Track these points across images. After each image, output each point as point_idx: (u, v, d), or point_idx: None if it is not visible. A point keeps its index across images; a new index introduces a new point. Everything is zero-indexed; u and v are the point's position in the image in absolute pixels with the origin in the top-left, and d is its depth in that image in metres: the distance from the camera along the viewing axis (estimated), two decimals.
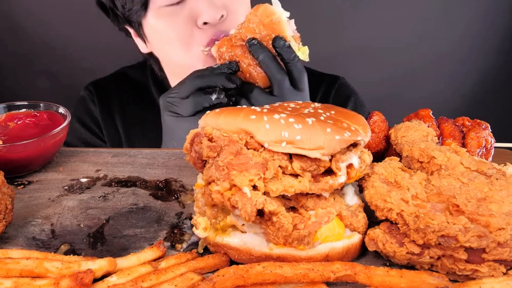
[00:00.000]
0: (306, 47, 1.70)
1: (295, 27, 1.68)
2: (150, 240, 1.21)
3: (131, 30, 2.17)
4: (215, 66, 1.72)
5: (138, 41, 2.19)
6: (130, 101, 2.43)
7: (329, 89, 2.43)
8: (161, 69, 2.32)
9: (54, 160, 1.62)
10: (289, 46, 1.63)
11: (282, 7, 1.65)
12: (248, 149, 1.06)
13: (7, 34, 2.90)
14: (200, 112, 1.69)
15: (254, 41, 1.63)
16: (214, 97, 1.67)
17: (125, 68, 2.56)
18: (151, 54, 2.24)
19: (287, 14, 1.64)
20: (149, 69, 2.44)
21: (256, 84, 1.70)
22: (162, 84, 2.38)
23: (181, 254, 1.11)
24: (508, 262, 0.98)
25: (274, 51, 1.64)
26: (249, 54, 1.66)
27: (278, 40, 1.61)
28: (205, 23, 1.86)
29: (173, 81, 2.29)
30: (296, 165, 1.05)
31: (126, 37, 2.35)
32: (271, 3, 1.66)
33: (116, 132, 2.40)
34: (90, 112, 2.41)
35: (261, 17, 1.63)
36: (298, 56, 1.66)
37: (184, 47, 1.93)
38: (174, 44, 1.95)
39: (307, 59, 1.70)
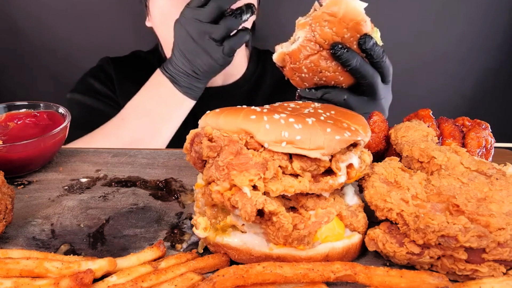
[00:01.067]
0: (377, 29, 1.50)
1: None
2: (150, 240, 1.21)
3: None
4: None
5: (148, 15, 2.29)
6: (142, 80, 2.45)
7: None
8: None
9: (54, 160, 1.62)
10: (376, 43, 1.46)
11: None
12: (248, 149, 1.06)
13: (7, 35, 2.90)
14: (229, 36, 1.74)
15: (341, 48, 1.42)
16: (244, 17, 1.69)
17: (139, 51, 2.59)
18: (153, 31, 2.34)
19: (365, 4, 1.42)
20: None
21: (342, 87, 1.55)
22: None
23: (181, 254, 1.11)
24: (508, 262, 0.98)
25: (359, 50, 1.46)
26: (332, 60, 1.45)
27: (367, 40, 1.42)
28: None
29: None
30: (296, 165, 1.05)
31: (125, 38, 2.37)
32: None
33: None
34: (106, 72, 2.44)
35: (346, 20, 1.38)
36: (384, 52, 1.50)
37: (170, 22, 1.96)
38: (170, 25, 1.98)
39: (380, 43, 1.51)
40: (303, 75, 1.50)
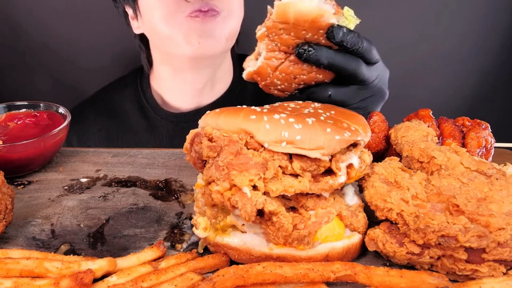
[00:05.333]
0: (346, 8, 1.33)
1: None
2: (150, 240, 1.21)
3: (129, 11, 2.25)
4: None
5: (133, 23, 2.27)
6: (104, 122, 2.49)
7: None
8: (149, 59, 2.39)
9: (54, 160, 1.62)
10: (347, 30, 1.30)
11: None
12: (248, 149, 1.06)
13: (8, 34, 2.90)
14: None
15: (305, 50, 1.30)
16: None
17: (106, 87, 2.60)
18: (142, 39, 2.33)
19: None
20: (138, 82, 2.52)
21: (326, 82, 1.41)
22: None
23: (181, 254, 1.11)
24: (508, 262, 0.98)
25: (329, 42, 1.31)
26: (303, 62, 1.33)
27: (336, 33, 1.27)
28: None
29: (160, 71, 2.35)
30: (296, 165, 1.05)
31: (126, 38, 2.38)
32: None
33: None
34: None
35: (299, 23, 1.25)
36: (360, 35, 1.35)
37: (169, 16, 1.97)
38: (160, 13, 1.99)
39: (357, 21, 1.34)
40: (279, 87, 1.40)
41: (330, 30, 1.27)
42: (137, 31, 2.30)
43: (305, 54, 1.30)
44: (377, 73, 1.47)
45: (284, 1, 1.24)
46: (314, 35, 1.29)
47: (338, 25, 1.28)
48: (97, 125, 2.45)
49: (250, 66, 1.41)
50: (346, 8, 1.32)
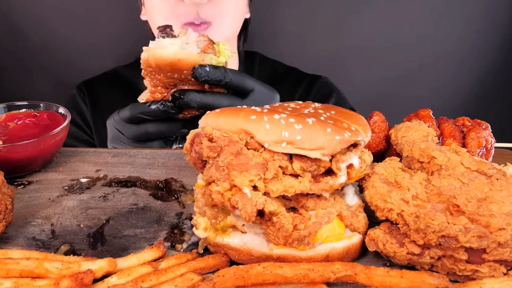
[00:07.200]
0: (222, 42, 1.44)
1: (195, 36, 1.42)
2: (150, 240, 1.21)
3: None
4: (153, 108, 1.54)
5: (143, 9, 2.35)
6: (120, 99, 2.52)
7: (309, 87, 2.47)
8: None
9: (54, 160, 1.62)
10: (210, 68, 1.40)
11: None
12: (248, 149, 1.06)
13: (7, 34, 2.90)
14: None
15: (176, 97, 1.44)
16: (153, 106, 1.54)
17: (117, 68, 2.65)
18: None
19: (178, 40, 1.39)
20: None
21: None
22: None
23: (181, 254, 1.11)
24: (509, 263, 0.98)
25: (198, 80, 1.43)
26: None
27: (197, 74, 1.38)
28: None
29: None
30: (296, 165, 1.05)
31: (125, 37, 2.39)
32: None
33: (104, 128, 2.46)
34: (80, 110, 2.49)
35: (161, 66, 1.39)
36: (226, 70, 1.44)
37: (167, 18, 1.99)
38: (159, 13, 2.03)
39: (232, 55, 1.45)
40: None
41: (193, 71, 1.39)
42: (143, 17, 2.36)
43: (176, 102, 1.45)
44: (256, 101, 1.54)
45: (146, 48, 1.39)
46: (181, 75, 1.42)
47: (200, 65, 1.39)
48: (111, 99, 2.49)
49: (144, 99, 1.57)
50: (221, 42, 1.44)
